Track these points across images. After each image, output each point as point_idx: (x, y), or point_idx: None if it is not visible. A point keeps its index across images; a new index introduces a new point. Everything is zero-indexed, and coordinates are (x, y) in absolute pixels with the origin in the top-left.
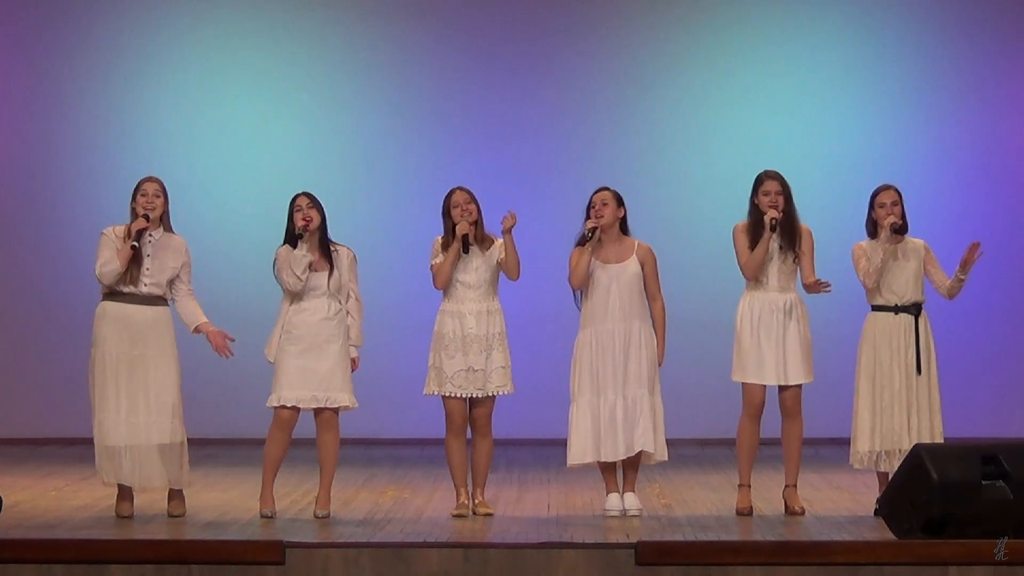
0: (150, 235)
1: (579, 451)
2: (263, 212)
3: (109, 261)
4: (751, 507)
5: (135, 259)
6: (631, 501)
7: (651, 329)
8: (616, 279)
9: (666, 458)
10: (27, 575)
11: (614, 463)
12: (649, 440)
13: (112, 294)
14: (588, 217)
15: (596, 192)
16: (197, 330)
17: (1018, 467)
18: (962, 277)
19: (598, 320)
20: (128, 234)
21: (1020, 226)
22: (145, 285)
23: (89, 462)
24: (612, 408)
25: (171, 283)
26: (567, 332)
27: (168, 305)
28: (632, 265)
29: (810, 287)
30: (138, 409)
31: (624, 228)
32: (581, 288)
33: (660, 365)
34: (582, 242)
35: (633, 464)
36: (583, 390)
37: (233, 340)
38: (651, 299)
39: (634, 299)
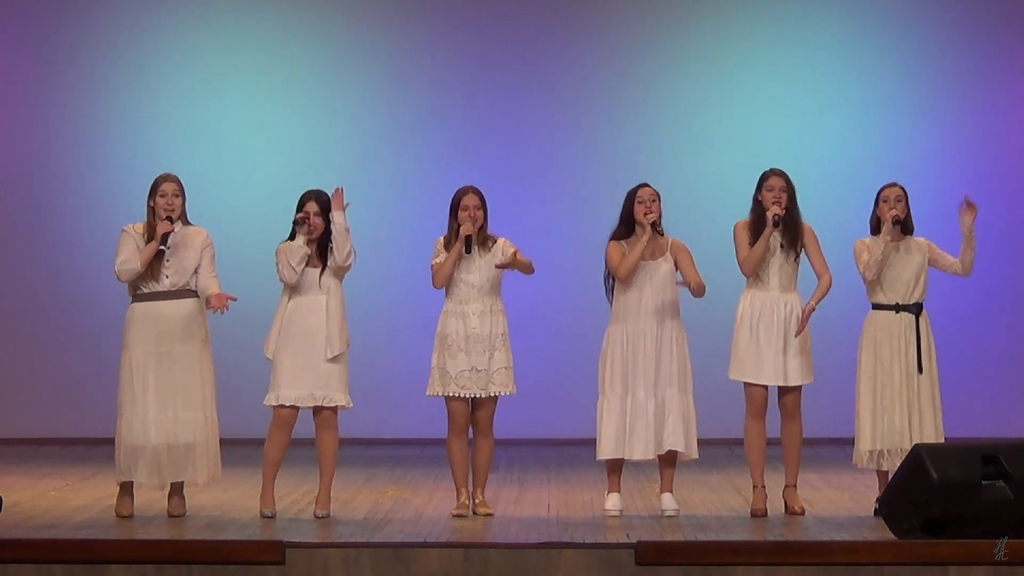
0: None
1: (607, 447)
2: (263, 211)
3: (129, 260)
4: (765, 509)
5: (155, 257)
6: (668, 502)
7: (683, 327)
8: (650, 277)
9: (696, 456)
10: (27, 575)
11: (621, 463)
12: (680, 440)
13: (138, 295)
14: (627, 212)
15: (639, 188)
16: (207, 301)
17: (1018, 467)
18: (968, 234)
19: (631, 318)
20: (148, 233)
21: (1020, 226)
22: (167, 277)
23: (89, 462)
24: (644, 407)
25: (195, 272)
26: (567, 332)
27: (197, 296)
28: (666, 263)
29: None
30: (166, 406)
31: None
32: (627, 280)
33: (696, 284)
34: (616, 236)
35: (669, 463)
36: (614, 386)
37: (235, 299)
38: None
39: (667, 297)
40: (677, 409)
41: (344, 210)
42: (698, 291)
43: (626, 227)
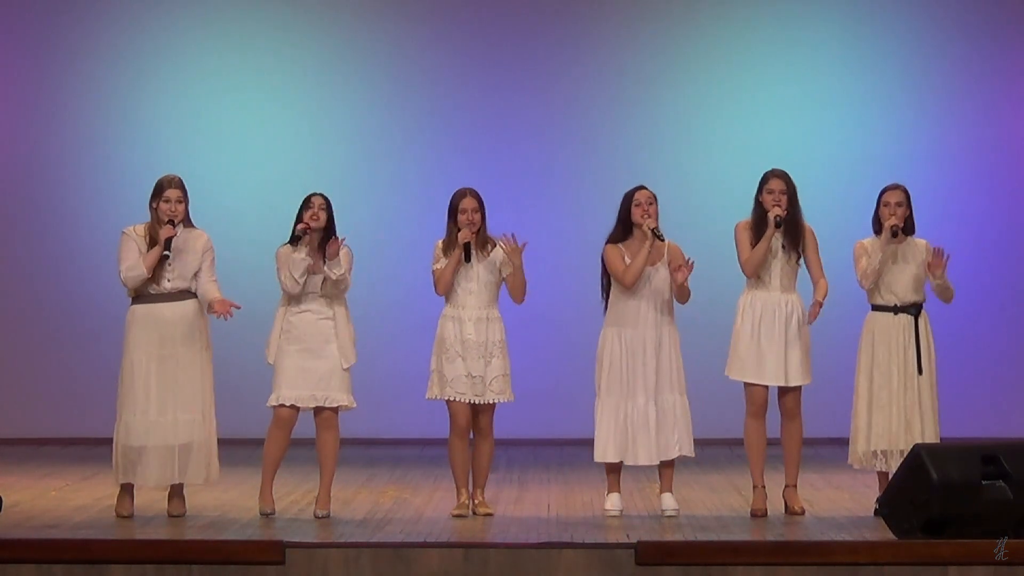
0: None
1: (601, 450)
2: (264, 212)
3: (135, 267)
4: (765, 509)
5: (159, 260)
6: (668, 502)
7: (677, 330)
8: (649, 282)
9: (693, 454)
10: (27, 575)
11: (619, 464)
12: (686, 444)
13: (139, 296)
14: (625, 214)
15: (636, 190)
16: (210, 306)
17: (1018, 467)
18: (937, 282)
19: (629, 322)
20: (149, 235)
21: (1020, 226)
22: (169, 280)
23: (89, 462)
24: (644, 412)
25: (195, 275)
26: (567, 332)
27: (197, 298)
28: (664, 268)
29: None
30: (166, 408)
31: None
32: (634, 286)
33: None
34: (613, 239)
35: (669, 463)
36: (611, 390)
37: (239, 308)
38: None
39: (665, 302)
40: (681, 414)
41: (338, 258)
42: (682, 295)
43: (623, 229)
